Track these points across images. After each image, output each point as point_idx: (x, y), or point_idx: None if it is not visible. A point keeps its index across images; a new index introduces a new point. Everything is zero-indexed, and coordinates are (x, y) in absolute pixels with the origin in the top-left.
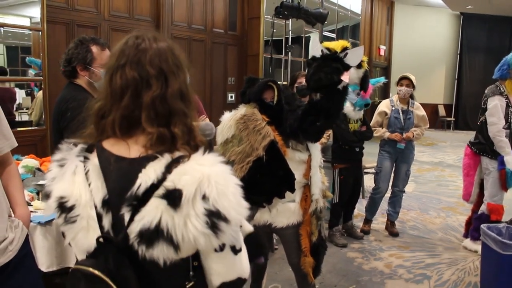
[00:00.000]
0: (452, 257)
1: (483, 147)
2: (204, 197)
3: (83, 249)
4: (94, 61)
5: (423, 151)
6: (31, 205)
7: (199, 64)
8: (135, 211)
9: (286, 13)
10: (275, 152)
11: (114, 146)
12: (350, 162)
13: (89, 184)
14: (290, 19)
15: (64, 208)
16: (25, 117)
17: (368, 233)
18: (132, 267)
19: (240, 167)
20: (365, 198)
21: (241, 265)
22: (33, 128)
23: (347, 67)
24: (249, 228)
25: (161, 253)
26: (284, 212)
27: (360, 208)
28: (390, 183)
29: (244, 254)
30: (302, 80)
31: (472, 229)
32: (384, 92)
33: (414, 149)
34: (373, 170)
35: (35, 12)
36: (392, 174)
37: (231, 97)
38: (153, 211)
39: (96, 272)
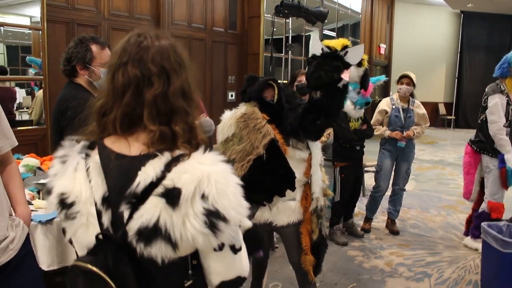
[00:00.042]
0: (452, 255)
1: (483, 145)
2: (203, 196)
3: (83, 245)
4: (93, 60)
5: (423, 150)
6: (32, 204)
7: (199, 63)
8: (134, 208)
9: (286, 11)
10: (276, 151)
11: (115, 144)
12: (351, 160)
13: (90, 181)
14: (290, 18)
15: (64, 204)
16: (25, 117)
17: (368, 232)
18: (131, 264)
19: (240, 165)
20: (365, 196)
21: (241, 264)
22: (33, 127)
23: (347, 65)
24: (247, 223)
25: (159, 251)
26: (285, 210)
27: (360, 206)
28: (391, 182)
29: (244, 253)
30: (302, 79)
31: (472, 227)
32: (385, 91)
33: (415, 148)
34: (373, 169)
35: (35, 11)
36: (393, 173)
37: (232, 96)
38: (152, 210)
39: (95, 269)
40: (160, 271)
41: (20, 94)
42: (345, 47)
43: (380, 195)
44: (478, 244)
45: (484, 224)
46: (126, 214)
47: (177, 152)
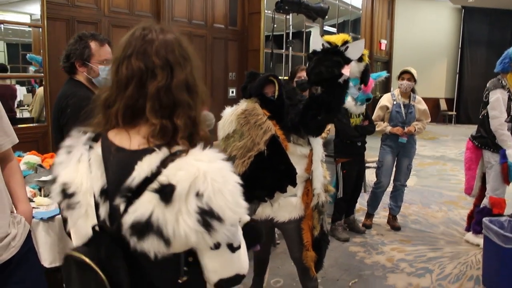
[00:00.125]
0: (454, 250)
1: (485, 140)
2: (198, 194)
3: (82, 235)
4: (92, 57)
5: (424, 145)
6: (33, 201)
7: (200, 60)
8: (129, 203)
9: (286, 7)
10: (277, 147)
11: (116, 136)
12: (353, 156)
13: (91, 173)
14: (290, 14)
15: (66, 194)
16: (26, 114)
17: (370, 227)
18: (125, 258)
19: (241, 162)
20: (367, 192)
21: (239, 262)
22: (34, 124)
23: (348, 61)
24: (245, 218)
25: (151, 246)
26: (286, 206)
27: (362, 202)
28: (392, 177)
29: (243, 251)
30: (302, 75)
31: (474, 222)
32: (385, 86)
33: (416, 143)
34: (374, 165)
35: (35, 9)
36: (394, 168)
37: (232, 92)
38: (146, 205)
39: (87, 260)
40: (153, 266)
41: (21, 92)
42: (345, 43)
43: (381, 191)
44: (479, 240)
45: (485, 220)
46: (121, 208)
47: (176, 148)
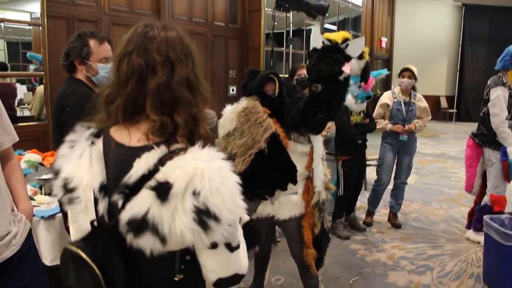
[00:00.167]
0: (454, 248)
1: (485, 138)
2: (194, 193)
3: (82, 230)
4: (91, 55)
5: (425, 143)
6: (34, 200)
7: (200, 58)
8: (126, 199)
9: (287, 5)
10: (277, 145)
11: (117, 133)
12: (353, 154)
13: (92, 168)
14: (291, 12)
15: (67, 189)
16: (26, 113)
17: (370, 225)
18: (122, 255)
19: (242, 159)
20: (367, 190)
21: (238, 262)
22: (34, 123)
23: (348, 58)
24: (245, 217)
25: (147, 243)
26: (287, 204)
27: (362, 200)
28: (393, 175)
29: (242, 251)
30: (302, 72)
31: (474, 220)
32: (386, 84)
33: (416, 141)
34: (375, 162)
35: (35, 7)
36: (395, 166)
37: (233, 90)
38: (142, 202)
39: (83, 255)
40: (150, 263)
41: (21, 90)
42: (345, 40)
43: (382, 189)
44: (480, 237)
45: (486, 217)
46: (119, 204)
47: (175, 146)
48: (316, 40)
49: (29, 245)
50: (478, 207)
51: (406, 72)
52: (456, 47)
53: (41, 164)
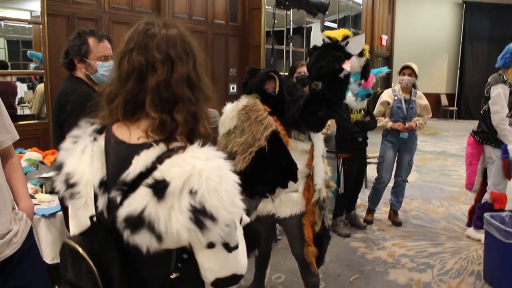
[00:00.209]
0: (455, 246)
1: (486, 135)
2: (191, 192)
3: (82, 225)
4: (89, 53)
5: (425, 141)
6: (35, 198)
7: (203, 56)
8: (124, 196)
9: (287, 3)
10: (278, 142)
11: (118, 130)
12: (354, 152)
13: (93, 164)
14: (291, 10)
15: (68, 184)
16: (27, 111)
17: (371, 223)
18: (119, 251)
19: (242, 157)
20: (368, 188)
21: (236, 262)
22: (35, 121)
23: (348, 56)
24: (245, 219)
25: (144, 240)
26: (287, 202)
27: (363, 198)
28: (393, 173)
29: (241, 251)
30: (302, 70)
31: (475, 218)
32: (386, 82)
33: (417, 139)
34: (375, 160)
35: (35, 5)
36: (395, 164)
37: (233, 88)
38: (139, 199)
39: (80, 249)
40: (146, 260)
41: (22, 89)
42: (346, 37)
43: (382, 187)
44: (480, 235)
45: (486, 215)
46: (117, 201)
47: (174, 144)
48: (317, 38)
49: (30, 243)
50: (478, 204)
51: (406, 69)
52: (457, 45)
53: (42, 162)
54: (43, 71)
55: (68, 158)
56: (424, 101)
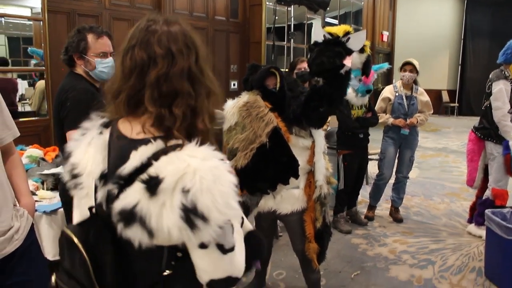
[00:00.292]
0: (456, 242)
1: (487, 132)
2: (184, 190)
3: (83, 216)
4: (88, 50)
5: (426, 137)
6: (36, 195)
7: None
8: (121, 190)
9: None
10: (279, 139)
11: (122, 124)
12: (354, 148)
13: (96, 157)
14: (292, 6)
15: (72, 174)
16: (28, 108)
17: (372, 219)
18: (113, 243)
19: (243, 154)
20: (369, 184)
21: (232, 265)
22: (36, 118)
23: (349, 52)
24: (247, 226)
25: (135, 235)
26: (289, 198)
27: (364, 194)
28: (394, 169)
29: (238, 254)
30: (302, 66)
31: (476, 214)
32: (387, 78)
33: (418, 135)
34: (377, 156)
35: (36, 2)
36: (396, 160)
37: (234, 84)
38: (133, 194)
39: (74, 238)
40: (140, 256)
41: (23, 86)
42: (347, 33)
43: (383, 183)
44: (481, 231)
45: (488, 211)
46: (114, 193)
47: (172, 142)
48: (317, 34)
49: (31, 240)
50: (479, 201)
51: (407, 66)
52: (458, 41)
53: (43, 159)
54: (43, 67)
55: (76, 149)
56: (425, 97)
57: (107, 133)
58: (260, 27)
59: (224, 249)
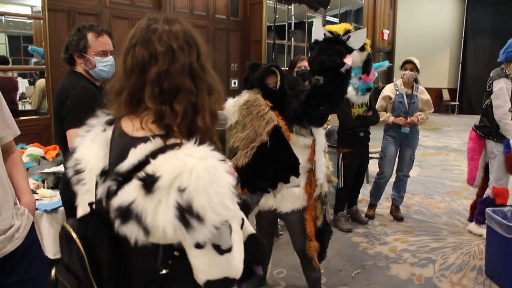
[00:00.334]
0: (457, 241)
1: (488, 130)
2: (180, 189)
3: (86, 211)
4: (88, 48)
5: (427, 136)
6: (37, 193)
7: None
8: (119, 186)
9: None
10: (279, 137)
11: (124, 123)
12: (355, 147)
13: (98, 154)
14: (292, 4)
15: (76, 170)
16: (28, 107)
17: (372, 218)
18: (111, 240)
19: (244, 153)
20: (369, 183)
21: (229, 266)
22: (36, 117)
23: (350, 50)
24: (248, 228)
25: (132, 232)
26: (289, 197)
27: (364, 193)
28: (395, 168)
29: (235, 255)
30: (302, 65)
31: (477, 213)
32: (388, 77)
33: (419, 134)
34: (377, 155)
35: (36, 0)
36: (397, 159)
37: (234, 83)
38: (130, 191)
39: (73, 233)
40: (136, 252)
41: (23, 84)
42: (347, 32)
43: (384, 182)
44: (482, 230)
45: (488, 210)
46: (113, 190)
47: (172, 141)
48: (318, 32)
49: (32, 238)
50: (480, 199)
51: (408, 64)
52: (459, 39)
53: (44, 157)
54: (44, 66)
55: (80, 145)
56: (426, 96)
57: (110, 130)
58: (260, 25)
59: (220, 250)
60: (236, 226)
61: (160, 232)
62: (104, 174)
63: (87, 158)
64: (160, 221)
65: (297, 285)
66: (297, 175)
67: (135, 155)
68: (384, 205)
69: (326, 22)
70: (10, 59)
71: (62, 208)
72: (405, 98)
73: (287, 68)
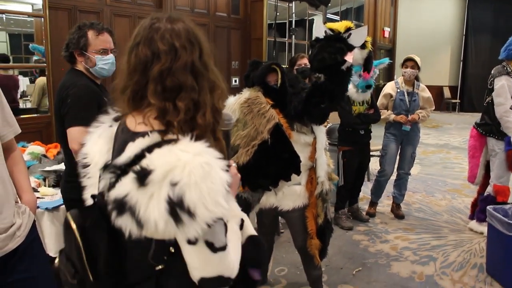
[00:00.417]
0: (457, 239)
1: (489, 128)
2: (172, 183)
3: (90, 203)
4: (88, 47)
5: (428, 134)
6: (38, 191)
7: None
8: (117, 179)
9: None
10: (280, 135)
11: (128, 119)
12: (355, 145)
13: (103, 148)
14: (293, 2)
15: (82, 164)
16: (29, 105)
17: (373, 216)
18: (109, 232)
19: (245, 151)
20: (370, 181)
21: (223, 264)
22: (37, 115)
23: (350, 48)
24: (248, 229)
25: (126, 224)
26: (290, 195)
27: (365, 191)
28: (396, 166)
29: (230, 253)
30: (302, 62)
31: (478, 210)
32: (389, 74)
33: (420, 131)
34: (378, 153)
35: None
36: (398, 157)
37: (235, 81)
38: (126, 184)
39: (72, 223)
40: (132, 246)
41: (24, 83)
42: (348, 29)
43: (385, 179)
44: (483, 228)
45: (489, 208)
46: (112, 182)
47: (169, 136)
48: (319, 30)
49: (33, 236)
50: (481, 197)
51: (409, 62)
52: (460, 37)
53: (45, 156)
54: (45, 64)
55: (89, 140)
56: (427, 94)
57: (116, 126)
58: (261, 23)
59: (214, 248)
60: (234, 226)
61: (152, 226)
62: (106, 168)
63: (93, 153)
64: (151, 214)
65: (298, 283)
66: (298, 173)
67: (132, 148)
68: (385, 203)
69: (327, 20)
70: (11, 57)
71: (63, 206)
72: (406, 96)
73: (287, 66)
